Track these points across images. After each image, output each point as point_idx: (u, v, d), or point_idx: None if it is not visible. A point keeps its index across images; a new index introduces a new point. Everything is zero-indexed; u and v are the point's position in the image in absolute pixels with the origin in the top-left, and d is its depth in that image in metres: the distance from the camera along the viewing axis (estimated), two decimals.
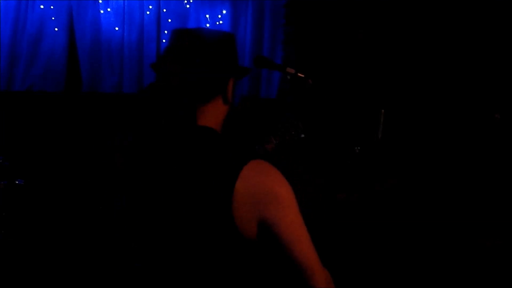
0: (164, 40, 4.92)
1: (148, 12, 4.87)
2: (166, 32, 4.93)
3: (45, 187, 4.37)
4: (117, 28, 4.81)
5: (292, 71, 2.10)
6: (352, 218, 4.07)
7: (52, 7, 4.70)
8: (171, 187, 1.43)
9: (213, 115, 1.52)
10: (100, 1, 4.77)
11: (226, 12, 4.99)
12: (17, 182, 3.85)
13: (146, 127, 1.49)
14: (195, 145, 1.45)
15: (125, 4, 4.82)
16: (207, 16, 4.98)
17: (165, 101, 1.43)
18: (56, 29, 4.72)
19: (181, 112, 1.44)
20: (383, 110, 4.80)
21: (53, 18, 4.71)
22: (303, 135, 2.29)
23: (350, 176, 4.41)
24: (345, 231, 3.92)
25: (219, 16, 4.99)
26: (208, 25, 4.97)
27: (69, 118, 4.62)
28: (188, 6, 4.94)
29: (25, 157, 4.35)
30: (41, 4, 4.66)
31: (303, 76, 2.07)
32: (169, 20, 4.93)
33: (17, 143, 4.46)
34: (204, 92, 1.49)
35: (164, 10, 4.92)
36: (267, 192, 1.37)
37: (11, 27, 4.66)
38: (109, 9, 4.80)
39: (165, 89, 1.44)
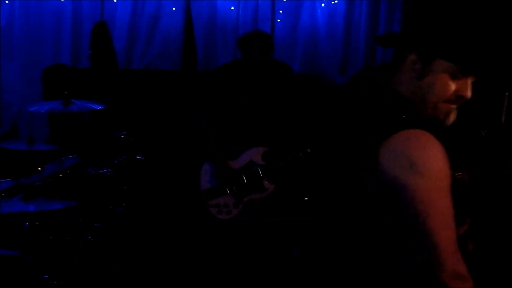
0: (278, 20, 4.88)
1: None
2: (280, 12, 4.89)
3: (164, 163, 4.45)
4: (232, 8, 4.82)
5: None
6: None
7: None
8: (340, 139, 1.54)
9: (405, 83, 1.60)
10: None
11: None
12: (138, 157, 3.94)
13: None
14: (371, 104, 1.53)
15: None
16: None
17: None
18: (173, 8, 4.80)
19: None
20: (507, 93, 4.58)
21: None
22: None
23: (475, 158, 4.25)
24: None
25: None
26: (323, 4, 4.88)
27: (185, 97, 4.68)
28: None
29: (146, 133, 4.45)
30: None
31: None
32: (284, 0, 4.89)
33: (137, 120, 4.57)
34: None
35: None
36: (406, 156, 1.37)
37: (131, 7, 4.80)
38: None
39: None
